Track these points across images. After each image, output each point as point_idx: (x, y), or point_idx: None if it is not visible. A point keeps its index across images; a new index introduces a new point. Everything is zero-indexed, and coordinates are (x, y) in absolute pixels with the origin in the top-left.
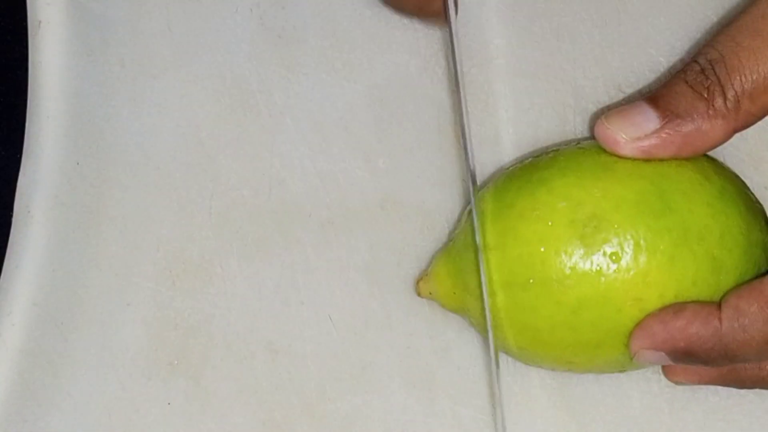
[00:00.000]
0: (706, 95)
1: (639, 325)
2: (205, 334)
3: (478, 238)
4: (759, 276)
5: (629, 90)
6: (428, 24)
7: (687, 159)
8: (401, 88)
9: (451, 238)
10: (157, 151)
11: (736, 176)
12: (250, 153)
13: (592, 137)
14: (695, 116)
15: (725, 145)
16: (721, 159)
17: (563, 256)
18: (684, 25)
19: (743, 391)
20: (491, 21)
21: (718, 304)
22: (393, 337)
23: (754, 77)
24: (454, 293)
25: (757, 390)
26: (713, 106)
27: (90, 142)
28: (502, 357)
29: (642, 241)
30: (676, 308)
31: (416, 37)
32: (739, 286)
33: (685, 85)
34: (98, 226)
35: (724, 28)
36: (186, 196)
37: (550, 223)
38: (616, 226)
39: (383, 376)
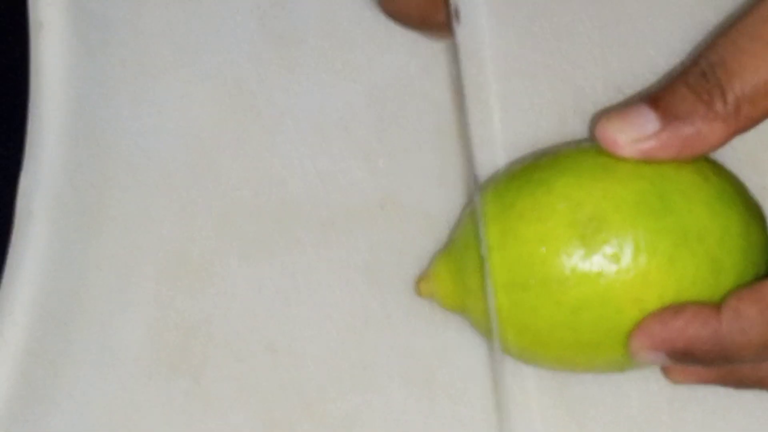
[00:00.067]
0: (706, 98)
1: (638, 325)
2: (205, 334)
3: (483, 245)
4: (759, 277)
5: (629, 91)
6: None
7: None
8: (401, 88)
9: (452, 238)
10: (157, 151)
11: (735, 177)
12: (250, 153)
13: (592, 138)
14: (695, 119)
15: (724, 146)
16: (720, 160)
17: (563, 256)
18: (684, 27)
19: (742, 391)
20: (490, 21)
21: (718, 306)
22: (393, 337)
23: (755, 81)
24: (455, 293)
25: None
26: (713, 109)
27: (91, 142)
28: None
29: (642, 242)
30: (675, 309)
31: (416, 38)
32: (740, 288)
33: (686, 88)
34: (99, 226)
35: (725, 31)
36: (186, 196)
37: (550, 224)
38: (616, 226)
39: (383, 376)
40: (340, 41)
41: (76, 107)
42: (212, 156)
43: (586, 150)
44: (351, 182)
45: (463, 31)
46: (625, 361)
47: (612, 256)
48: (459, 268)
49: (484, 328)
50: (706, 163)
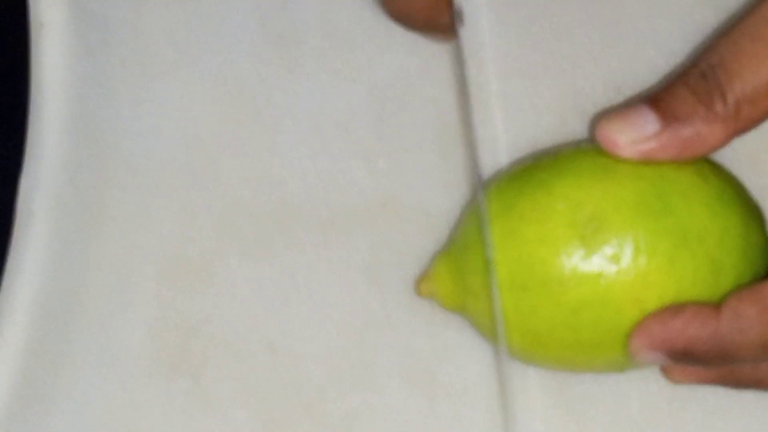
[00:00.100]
0: (706, 99)
1: (638, 325)
2: (205, 334)
3: (488, 247)
4: (759, 278)
5: (629, 91)
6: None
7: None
8: (401, 88)
9: (452, 239)
10: (157, 151)
11: (735, 178)
12: (250, 153)
13: (592, 139)
14: (695, 120)
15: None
16: (720, 160)
17: (563, 257)
18: (684, 27)
19: (742, 391)
20: (490, 21)
21: (718, 306)
22: (393, 337)
23: (755, 82)
24: (455, 293)
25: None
26: (713, 110)
27: (91, 142)
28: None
29: (641, 243)
30: (675, 309)
31: (416, 38)
32: (740, 289)
33: (686, 89)
34: (99, 226)
35: (726, 32)
36: (186, 196)
37: (550, 225)
38: (615, 227)
39: (383, 376)
40: (340, 41)
41: (76, 107)
42: (212, 156)
43: (586, 151)
44: (351, 182)
45: (466, 32)
46: (625, 361)
47: (612, 256)
48: (459, 268)
49: (484, 329)
50: (705, 164)
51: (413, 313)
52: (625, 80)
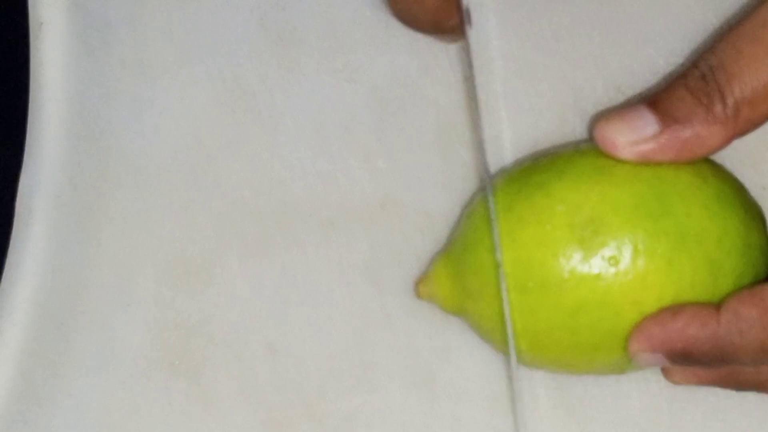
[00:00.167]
0: (705, 101)
1: (637, 327)
2: (205, 334)
3: (497, 251)
4: (758, 279)
5: (629, 91)
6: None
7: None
8: (402, 88)
9: (451, 240)
10: (157, 151)
11: (734, 178)
12: (250, 153)
13: (591, 139)
14: (694, 122)
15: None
16: (719, 161)
17: (562, 259)
18: (684, 27)
19: (742, 392)
20: (490, 22)
21: (717, 307)
22: (393, 337)
23: (754, 85)
24: (454, 296)
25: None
26: (712, 112)
27: (91, 142)
28: (502, 358)
29: (640, 245)
30: (674, 310)
31: (417, 38)
32: (740, 290)
33: (685, 90)
34: (99, 226)
35: (725, 34)
36: (186, 196)
37: (548, 227)
38: (614, 229)
39: (383, 376)
40: (340, 41)
41: (76, 107)
42: (212, 156)
43: (585, 152)
44: (351, 182)
45: (474, 33)
46: (624, 362)
47: (610, 258)
48: (458, 270)
49: (483, 331)
50: (705, 165)
51: (413, 313)
52: (625, 80)
